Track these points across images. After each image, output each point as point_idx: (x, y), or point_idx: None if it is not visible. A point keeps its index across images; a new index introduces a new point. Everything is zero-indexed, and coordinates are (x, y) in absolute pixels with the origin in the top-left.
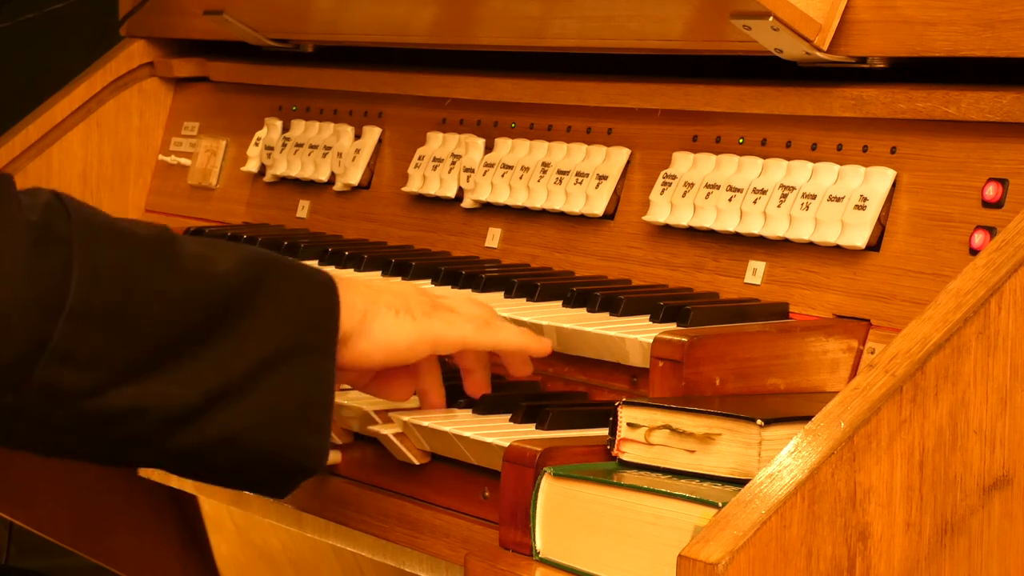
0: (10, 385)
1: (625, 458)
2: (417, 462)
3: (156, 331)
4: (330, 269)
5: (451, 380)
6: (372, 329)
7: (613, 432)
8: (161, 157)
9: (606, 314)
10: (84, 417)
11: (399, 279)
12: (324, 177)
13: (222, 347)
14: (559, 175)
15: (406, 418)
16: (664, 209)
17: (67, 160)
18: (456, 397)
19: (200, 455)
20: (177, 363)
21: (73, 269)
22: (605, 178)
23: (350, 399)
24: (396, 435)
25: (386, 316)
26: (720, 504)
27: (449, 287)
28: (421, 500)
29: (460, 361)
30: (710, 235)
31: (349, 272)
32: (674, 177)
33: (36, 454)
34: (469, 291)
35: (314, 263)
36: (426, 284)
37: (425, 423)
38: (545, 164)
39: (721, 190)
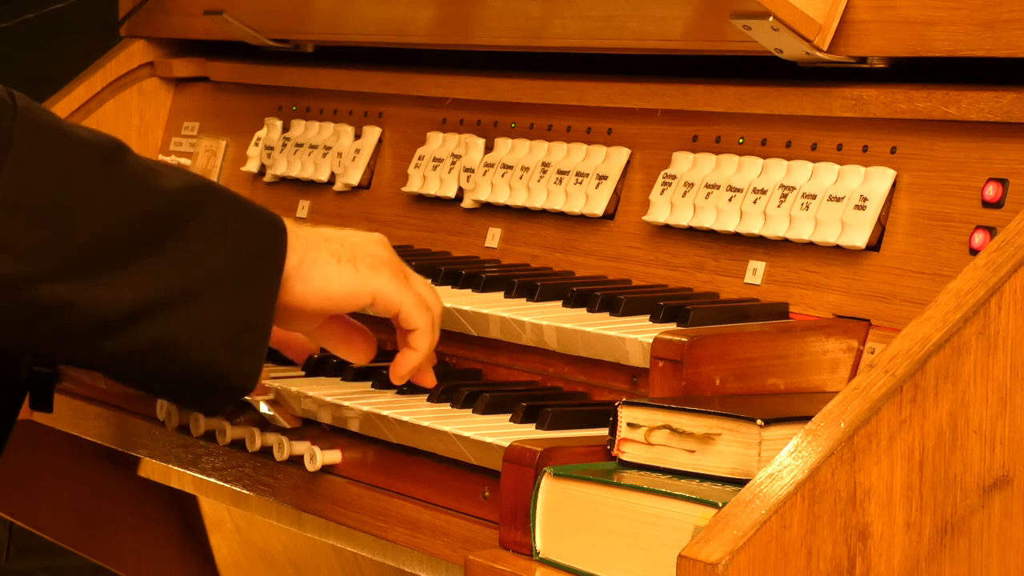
0: None
1: (625, 458)
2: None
3: (91, 232)
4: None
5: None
6: (310, 274)
7: (613, 432)
8: (161, 157)
9: (606, 314)
10: (15, 307)
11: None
12: (324, 177)
13: (161, 259)
14: (559, 175)
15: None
16: (664, 209)
17: None
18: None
19: (130, 362)
20: (113, 268)
21: (7, 161)
22: (605, 178)
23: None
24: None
25: (327, 263)
26: (720, 504)
27: (450, 287)
28: (421, 500)
29: (403, 337)
30: (710, 235)
31: None
32: (674, 177)
33: None
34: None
35: None
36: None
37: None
38: (545, 164)
39: (721, 190)
